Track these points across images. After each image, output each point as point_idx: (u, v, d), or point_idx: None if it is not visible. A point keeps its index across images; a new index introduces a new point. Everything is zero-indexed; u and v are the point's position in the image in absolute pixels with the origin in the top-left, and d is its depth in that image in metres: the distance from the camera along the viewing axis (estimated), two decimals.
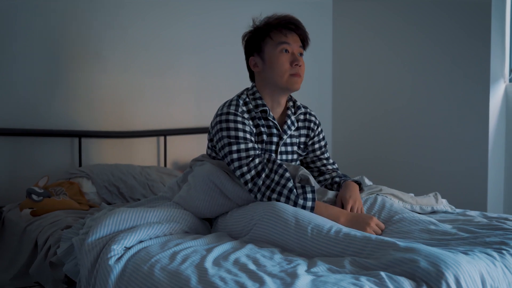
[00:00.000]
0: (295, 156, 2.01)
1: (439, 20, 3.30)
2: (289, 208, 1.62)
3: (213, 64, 3.37)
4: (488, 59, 3.05)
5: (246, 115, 1.88)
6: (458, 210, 2.03)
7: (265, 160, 1.79)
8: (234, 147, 1.80)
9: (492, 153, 3.10)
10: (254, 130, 1.90)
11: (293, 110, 2.02)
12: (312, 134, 2.06)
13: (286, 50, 1.89)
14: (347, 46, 3.91)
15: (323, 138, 2.11)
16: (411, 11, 3.47)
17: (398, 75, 3.59)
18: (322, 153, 2.09)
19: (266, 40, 1.91)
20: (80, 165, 2.85)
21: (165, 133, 3.16)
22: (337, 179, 1.98)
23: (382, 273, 1.23)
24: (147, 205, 1.96)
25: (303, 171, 1.84)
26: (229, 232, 1.74)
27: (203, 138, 3.17)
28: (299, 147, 2.03)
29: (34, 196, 2.27)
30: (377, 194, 1.93)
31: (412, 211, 1.91)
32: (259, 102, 1.93)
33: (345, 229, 1.51)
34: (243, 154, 1.78)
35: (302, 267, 1.33)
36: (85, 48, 2.92)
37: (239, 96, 1.95)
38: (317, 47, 3.88)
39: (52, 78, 2.83)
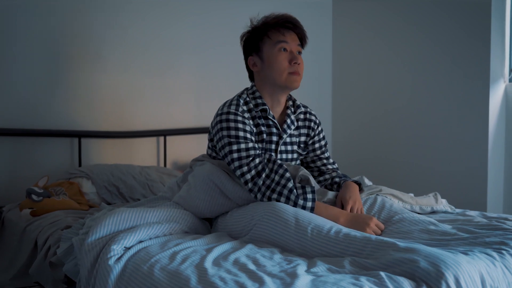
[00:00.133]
0: (295, 156, 2.01)
1: (439, 20, 3.30)
2: (289, 208, 1.62)
3: (213, 64, 3.37)
4: (488, 59, 3.05)
5: (246, 115, 1.88)
6: (457, 210, 2.03)
7: (265, 160, 1.79)
8: (234, 147, 1.80)
9: (492, 153, 3.10)
10: (255, 129, 1.91)
11: (292, 109, 2.02)
12: (312, 134, 2.07)
13: (285, 49, 1.89)
14: (347, 46, 3.91)
15: (323, 138, 2.11)
16: (411, 11, 3.47)
17: (398, 75, 3.59)
18: (323, 153, 2.09)
19: (264, 39, 1.92)
20: (80, 165, 2.85)
21: (165, 133, 3.16)
22: (337, 180, 1.98)
23: (382, 273, 1.23)
24: (147, 205, 1.96)
25: (303, 171, 1.84)
26: (229, 232, 1.74)
27: (203, 138, 3.17)
28: (299, 147, 2.03)
29: (34, 196, 2.27)
30: (377, 195, 1.93)
31: (412, 211, 1.91)
32: (259, 101, 1.93)
33: (345, 230, 1.51)
34: (243, 154, 1.78)
35: (302, 267, 1.33)
36: (85, 48, 2.92)
37: (239, 95, 1.95)
38: (317, 47, 3.88)
39: (52, 78, 2.83)
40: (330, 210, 1.72)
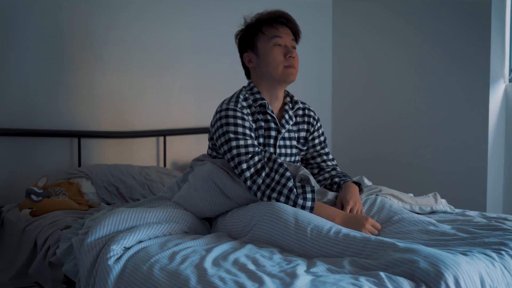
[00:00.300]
0: (293, 151, 2.02)
1: (439, 20, 3.30)
2: (289, 208, 1.62)
3: (213, 64, 3.36)
4: (488, 59, 3.05)
5: (245, 111, 1.90)
6: (457, 210, 2.03)
7: (265, 159, 1.79)
8: (234, 143, 1.80)
9: (491, 153, 3.10)
10: (254, 125, 1.91)
11: (290, 105, 2.04)
12: (312, 129, 2.08)
13: (279, 44, 1.92)
14: (347, 46, 3.91)
15: (323, 134, 2.12)
16: (411, 11, 3.47)
17: (398, 75, 3.59)
18: (322, 148, 2.11)
19: (259, 35, 1.95)
20: (79, 165, 2.85)
21: (164, 133, 3.15)
22: (336, 180, 1.98)
23: (382, 274, 1.23)
24: (146, 205, 1.96)
25: (304, 171, 1.85)
26: (229, 232, 1.74)
27: (203, 138, 3.17)
28: (298, 142, 2.04)
29: (33, 196, 2.27)
30: (377, 195, 1.93)
31: (411, 211, 1.91)
32: (258, 96, 1.95)
33: (345, 230, 1.51)
34: (242, 150, 1.79)
35: (301, 267, 1.33)
36: (85, 48, 2.92)
37: (238, 93, 1.97)
38: (317, 47, 3.89)
39: (51, 78, 2.83)
40: (327, 210, 1.72)
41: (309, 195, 1.71)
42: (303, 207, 1.68)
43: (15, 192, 2.66)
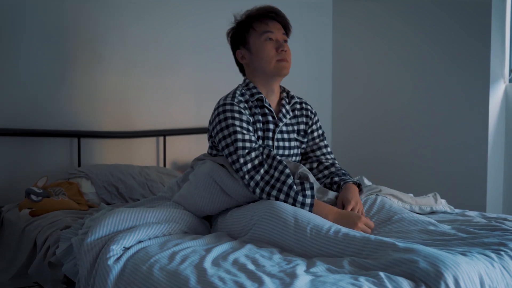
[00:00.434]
0: (292, 144, 2.02)
1: (439, 20, 3.30)
2: (288, 208, 1.62)
3: (213, 64, 3.36)
4: (488, 59, 3.05)
5: (242, 105, 1.91)
6: (457, 211, 2.03)
7: (264, 156, 1.80)
8: (231, 139, 1.82)
9: (491, 153, 3.10)
10: (252, 119, 1.93)
11: (287, 100, 2.07)
12: (310, 122, 2.10)
13: (270, 38, 1.95)
14: (347, 46, 3.91)
15: (321, 127, 2.15)
16: (411, 11, 3.47)
17: (398, 75, 3.58)
18: (321, 141, 2.12)
19: (250, 31, 1.98)
20: (79, 165, 2.85)
21: (164, 133, 3.15)
22: (336, 179, 1.98)
23: (381, 273, 1.23)
24: (146, 205, 1.96)
25: (303, 169, 1.85)
26: (229, 232, 1.74)
27: (203, 138, 3.17)
28: (298, 134, 2.06)
29: (33, 196, 2.27)
30: (377, 195, 1.93)
31: (411, 211, 1.91)
32: (254, 91, 1.98)
33: (344, 229, 1.51)
34: (240, 145, 1.80)
35: (301, 267, 1.33)
36: (85, 48, 2.92)
37: (235, 89, 1.99)
38: (317, 47, 3.89)
39: (51, 79, 2.83)
40: (320, 207, 1.72)
41: (308, 192, 1.71)
42: (302, 204, 1.69)
43: (14, 192, 2.66)
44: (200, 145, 3.20)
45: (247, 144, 1.81)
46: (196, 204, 1.82)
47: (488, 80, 3.06)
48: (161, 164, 3.19)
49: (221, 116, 1.87)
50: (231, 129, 1.83)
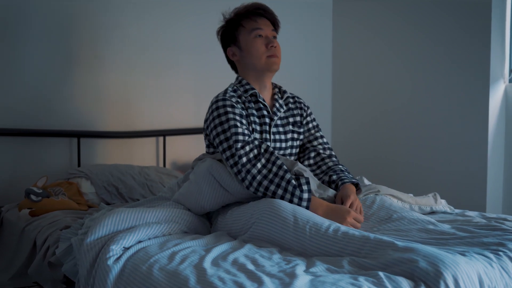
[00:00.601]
0: (289, 136, 2.04)
1: (439, 20, 3.30)
2: (287, 206, 1.62)
3: (213, 64, 3.35)
4: (488, 59, 3.05)
5: (234, 99, 1.93)
6: (457, 211, 2.03)
7: (262, 150, 1.81)
8: (226, 134, 1.83)
9: (491, 153, 3.10)
10: (245, 112, 1.94)
11: (280, 95, 2.10)
12: (304, 114, 2.13)
13: (260, 35, 1.98)
14: (347, 46, 3.91)
15: (315, 119, 2.18)
16: (411, 11, 3.47)
17: (398, 75, 3.58)
18: (317, 132, 2.15)
19: (239, 29, 2.01)
20: (79, 165, 2.85)
21: (164, 133, 3.15)
22: (334, 177, 1.98)
23: (381, 273, 1.23)
24: (146, 205, 1.96)
25: (299, 166, 1.86)
26: (229, 231, 1.74)
27: (203, 138, 3.16)
28: (295, 125, 2.08)
29: (32, 196, 2.27)
30: (376, 194, 1.94)
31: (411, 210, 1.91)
32: (247, 87, 2.00)
33: (343, 228, 1.51)
34: (235, 138, 1.81)
35: (300, 267, 1.33)
36: (85, 48, 2.92)
37: (227, 87, 2.03)
38: (317, 47, 3.88)
39: (51, 79, 2.83)
40: (311, 201, 1.73)
41: (304, 187, 1.73)
42: (300, 199, 1.70)
43: (14, 192, 2.66)
44: (200, 145, 3.19)
45: (241, 137, 1.82)
46: (196, 201, 1.82)
47: (488, 80, 3.06)
48: (161, 164, 3.19)
49: (215, 113, 1.89)
50: (225, 125, 1.84)
